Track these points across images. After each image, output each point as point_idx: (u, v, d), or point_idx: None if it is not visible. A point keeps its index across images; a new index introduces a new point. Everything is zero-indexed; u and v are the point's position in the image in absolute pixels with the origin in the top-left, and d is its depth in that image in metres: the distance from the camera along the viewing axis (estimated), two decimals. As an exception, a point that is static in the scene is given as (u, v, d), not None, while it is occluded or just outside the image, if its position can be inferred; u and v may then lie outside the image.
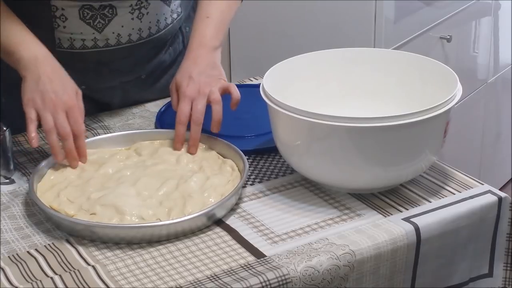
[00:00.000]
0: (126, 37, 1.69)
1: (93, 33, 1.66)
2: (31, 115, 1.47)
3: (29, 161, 1.60)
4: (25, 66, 1.51)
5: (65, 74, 1.53)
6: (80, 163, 1.51)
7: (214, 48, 1.61)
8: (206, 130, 1.55)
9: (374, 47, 2.39)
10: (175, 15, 1.77)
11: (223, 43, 1.65)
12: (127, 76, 1.76)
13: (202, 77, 1.55)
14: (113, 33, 1.67)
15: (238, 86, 1.86)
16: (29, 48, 1.52)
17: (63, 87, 1.50)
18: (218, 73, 1.59)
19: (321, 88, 1.59)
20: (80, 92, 1.53)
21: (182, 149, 1.54)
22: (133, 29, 1.69)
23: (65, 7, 1.62)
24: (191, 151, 1.53)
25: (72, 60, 1.66)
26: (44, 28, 1.63)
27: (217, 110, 1.53)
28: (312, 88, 1.58)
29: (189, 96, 1.54)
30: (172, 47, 1.81)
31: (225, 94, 1.58)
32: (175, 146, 1.54)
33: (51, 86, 1.49)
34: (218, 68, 1.60)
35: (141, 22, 1.69)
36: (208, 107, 1.55)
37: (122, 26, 1.67)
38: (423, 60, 1.57)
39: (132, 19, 1.68)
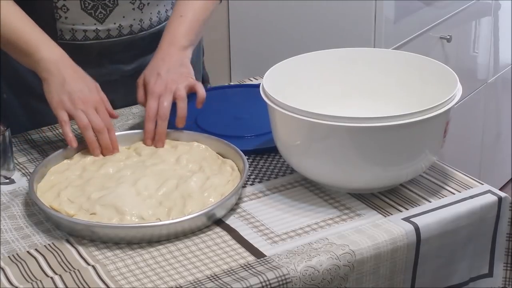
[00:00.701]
0: (127, 28, 1.70)
1: (95, 24, 1.67)
2: (64, 117, 1.50)
3: (29, 161, 1.60)
4: (46, 68, 1.52)
5: (85, 73, 1.56)
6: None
7: (184, 48, 1.62)
8: (208, 131, 1.56)
9: (374, 47, 2.39)
10: None
11: (195, 42, 1.67)
12: (128, 69, 1.77)
13: (170, 74, 1.57)
14: (115, 23, 1.69)
15: (238, 86, 1.87)
16: (49, 50, 1.53)
17: (87, 85, 1.53)
18: (186, 71, 1.60)
19: (321, 88, 1.59)
20: (98, 85, 1.56)
21: (182, 149, 1.55)
22: (134, 19, 1.71)
23: None
24: (158, 145, 1.55)
25: (73, 53, 1.67)
26: (45, 20, 1.64)
27: (182, 107, 1.55)
28: (312, 88, 1.58)
29: (157, 93, 1.55)
30: None
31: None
32: (145, 142, 1.56)
33: (76, 86, 1.51)
34: (187, 66, 1.61)
35: (142, 12, 1.71)
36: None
37: (124, 17, 1.69)
38: (423, 60, 1.57)
39: (133, 9, 1.70)
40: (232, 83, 1.96)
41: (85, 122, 1.50)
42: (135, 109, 1.78)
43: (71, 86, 1.51)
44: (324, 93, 1.59)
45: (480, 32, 2.95)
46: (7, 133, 1.51)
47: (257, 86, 1.51)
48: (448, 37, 2.66)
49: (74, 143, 1.50)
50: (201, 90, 1.58)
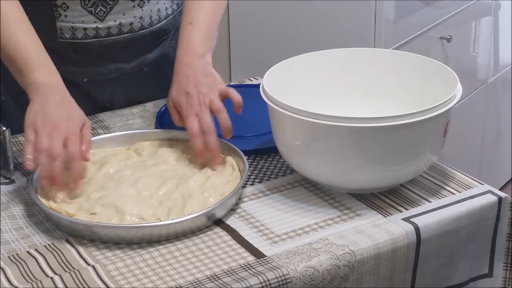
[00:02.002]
0: (127, 26, 1.70)
1: (95, 22, 1.67)
2: (30, 136, 1.42)
3: (29, 161, 1.59)
4: (36, 90, 1.46)
5: (75, 105, 1.49)
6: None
7: (202, 54, 1.56)
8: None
9: (374, 47, 2.39)
10: (175, 6, 1.79)
11: (212, 46, 1.61)
12: (128, 68, 1.77)
13: (198, 88, 1.51)
14: (115, 21, 1.69)
15: (238, 86, 1.87)
16: (44, 74, 1.48)
17: (68, 115, 1.45)
18: (212, 79, 1.53)
19: (321, 88, 1.59)
20: (88, 123, 1.48)
21: (183, 150, 1.54)
22: (134, 17, 1.70)
23: None
24: (216, 162, 1.49)
25: (74, 52, 1.67)
26: (45, 19, 1.63)
27: (224, 117, 1.50)
28: (312, 88, 1.58)
29: (193, 113, 1.49)
30: (175, 41, 1.80)
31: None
32: (198, 160, 1.49)
33: (56, 112, 1.44)
34: (212, 74, 1.55)
35: (142, 10, 1.71)
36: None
37: (124, 14, 1.69)
38: (423, 60, 1.57)
39: (134, 6, 1.69)
40: (232, 83, 1.96)
41: (42, 146, 1.40)
42: (135, 109, 1.78)
43: (51, 110, 1.43)
44: (324, 93, 1.59)
45: (480, 32, 2.95)
46: (7, 133, 1.51)
47: (257, 86, 1.51)
48: (448, 37, 2.66)
49: (29, 166, 1.41)
50: (236, 95, 1.53)
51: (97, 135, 1.63)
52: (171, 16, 1.78)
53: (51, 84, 1.48)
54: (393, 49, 2.39)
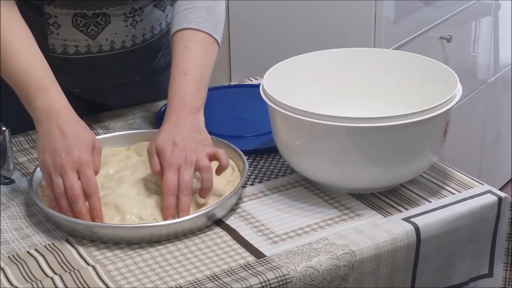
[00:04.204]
0: (119, 43, 1.68)
1: (86, 40, 1.65)
2: (47, 180, 1.38)
3: (29, 161, 1.60)
4: (38, 120, 1.40)
5: (82, 127, 1.41)
6: None
7: (197, 109, 1.47)
8: (209, 131, 1.56)
9: (374, 47, 2.39)
10: (169, 20, 1.75)
11: (205, 98, 1.51)
12: (121, 80, 1.75)
13: (187, 142, 1.41)
14: (107, 40, 1.66)
15: (238, 86, 1.87)
16: (45, 99, 1.40)
17: (76, 142, 1.37)
18: (203, 137, 1.45)
19: (321, 88, 1.59)
20: (98, 146, 1.41)
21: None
22: (126, 36, 1.68)
23: (58, 15, 1.61)
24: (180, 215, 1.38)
25: (65, 64, 1.65)
26: (37, 34, 1.58)
27: (208, 178, 1.39)
28: (312, 88, 1.58)
29: (175, 165, 1.39)
30: (168, 50, 1.79)
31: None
32: (166, 218, 1.37)
33: (61, 143, 1.37)
34: (203, 132, 1.46)
35: (135, 29, 1.68)
36: None
37: (116, 33, 1.66)
38: (423, 60, 1.57)
39: (126, 26, 1.66)
40: (232, 83, 1.96)
41: (59, 190, 1.35)
42: (135, 109, 1.78)
43: (56, 144, 1.37)
44: (324, 93, 1.59)
45: (480, 32, 2.95)
46: (7, 133, 1.51)
47: (257, 86, 1.51)
48: (448, 37, 2.66)
49: (56, 208, 1.37)
50: (224, 159, 1.42)
51: (97, 135, 1.63)
52: (164, 30, 1.75)
53: (52, 109, 1.40)
54: (393, 49, 2.39)
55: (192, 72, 1.50)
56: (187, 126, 1.44)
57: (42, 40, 1.62)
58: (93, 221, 1.35)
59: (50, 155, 1.37)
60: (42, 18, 1.62)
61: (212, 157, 1.42)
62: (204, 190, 1.40)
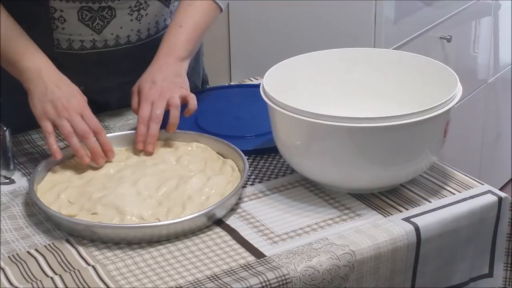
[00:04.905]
0: (124, 38, 1.69)
1: (92, 34, 1.66)
2: (48, 127, 1.49)
3: (29, 161, 1.60)
4: (29, 78, 1.52)
5: (69, 81, 1.54)
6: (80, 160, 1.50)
7: (182, 59, 1.61)
8: (209, 131, 1.56)
9: (374, 47, 2.39)
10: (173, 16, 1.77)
11: (193, 53, 1.66)
12: (126, 77, 1.76)
13: (164, 83, 1.56)
14: (112, 34, 1.67)
15: (238, 86, 1.87)
16: (32, 59, 1.53)
17: (71, 93, 1.52)
18: (181, 81, 1.59)
19: (321, 88, 1.59)
20: (85, 98, 1.54)
21: (183, 150, 1.54)
22: (132, 30, 1.69)
23: (63, 9, 1.62)
24: (148, 148, 1.53)
25: (70, 61, 1.66)
26: (42, 29, 1.63)
27: (174, 115, 1.54)
28: (312, 88, 1.58)
29: (150, 99, 1.54)
30: None
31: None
32: (137, 145, 1.54)
33: (60, 93, 1.50)
34: (182, 77, 1.60)
35: (140, 23, 1.69)
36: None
37: (121, 28, 1.67)
38: (423, 60, 1.57)
39: (131, 20, 1.67)
40: (232, 83, 1.96)
41: (68, 129, 1.48)
42: (135, 109, 1.78)
43: (54, 94, 1.50)
44: (324, 93, 1.59)
45: (480, 32, 2.95)
46: (7, 133, 1.51)
47: (257, 86, 1.51)
48: (448, 37, 2.66)
49: (58, 155, 1.48)
50: (192, 102, 1.56)
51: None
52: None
53: (40, 67, 1.52)
54: (393, 49, 2.39)
55: (187, 25, 1.63)
56: (169, 70, 1.59)
57: (48, 35, 1.64)
58: (105, 155, 1.50)
59: (51, 105, 1.49)
60: (48, 13, 1.63)
61: (184, 99, 1.56)
62: (170, 125, 1.55)
